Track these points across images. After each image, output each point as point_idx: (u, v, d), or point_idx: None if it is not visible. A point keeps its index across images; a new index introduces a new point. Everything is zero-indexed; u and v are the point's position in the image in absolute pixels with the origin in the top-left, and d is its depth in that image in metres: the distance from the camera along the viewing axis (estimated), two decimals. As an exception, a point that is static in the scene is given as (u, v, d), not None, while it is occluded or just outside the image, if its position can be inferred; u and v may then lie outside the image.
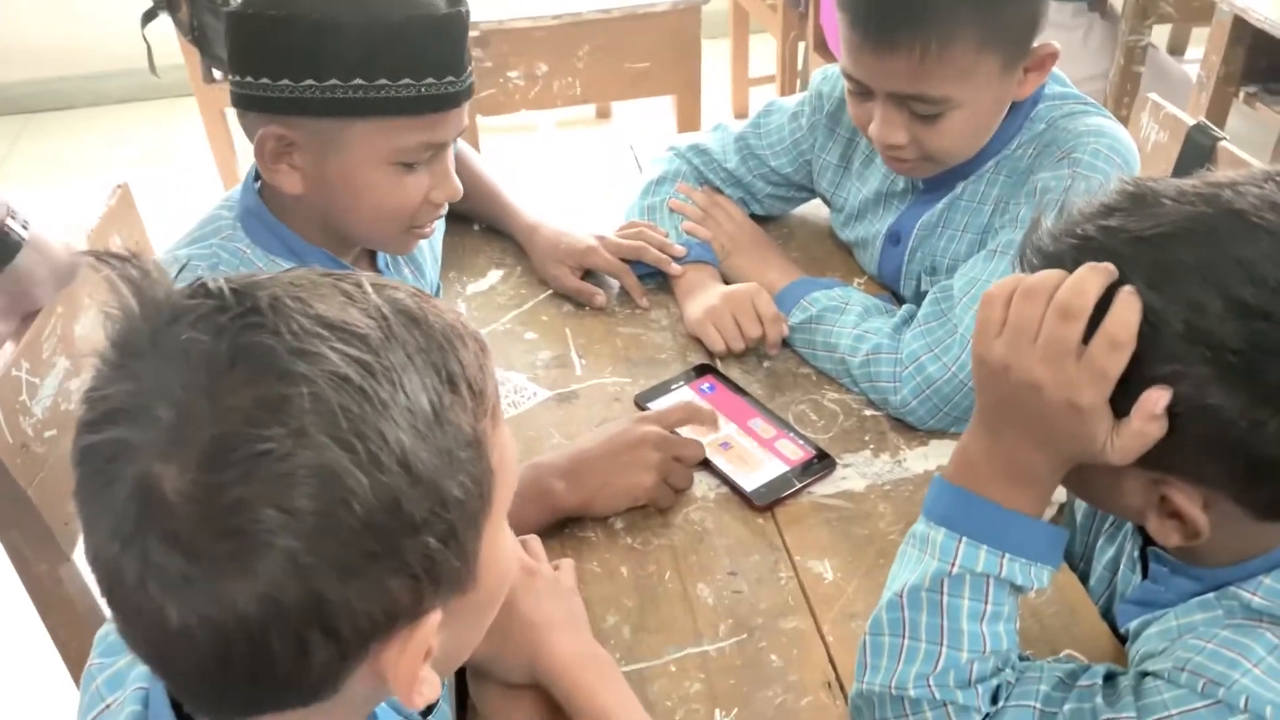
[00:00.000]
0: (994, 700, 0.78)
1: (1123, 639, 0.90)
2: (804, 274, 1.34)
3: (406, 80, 0.99)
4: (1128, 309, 0.68)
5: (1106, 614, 0.95)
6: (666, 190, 1.44)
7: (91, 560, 0.52)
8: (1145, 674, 0.77)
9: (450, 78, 1.02)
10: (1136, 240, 0.70)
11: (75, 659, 1.26)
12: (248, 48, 1.01)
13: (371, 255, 1.25)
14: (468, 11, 1.03)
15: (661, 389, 1.22)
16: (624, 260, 1.37)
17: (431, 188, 1.10)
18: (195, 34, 2.82)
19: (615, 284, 1.40)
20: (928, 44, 1.07)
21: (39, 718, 1.84)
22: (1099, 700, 0.75)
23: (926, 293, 1.28)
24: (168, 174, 3.46)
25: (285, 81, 0.98)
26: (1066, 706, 0.76)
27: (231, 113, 2.91)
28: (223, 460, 0.48)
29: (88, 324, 1.19)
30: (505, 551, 0.62)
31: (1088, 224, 0.73)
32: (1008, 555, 0.77)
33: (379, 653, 0.54)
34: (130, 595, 0.50)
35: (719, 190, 1.46)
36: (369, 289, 0.55)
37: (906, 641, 0.79)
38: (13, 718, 1.86)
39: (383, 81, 0.98)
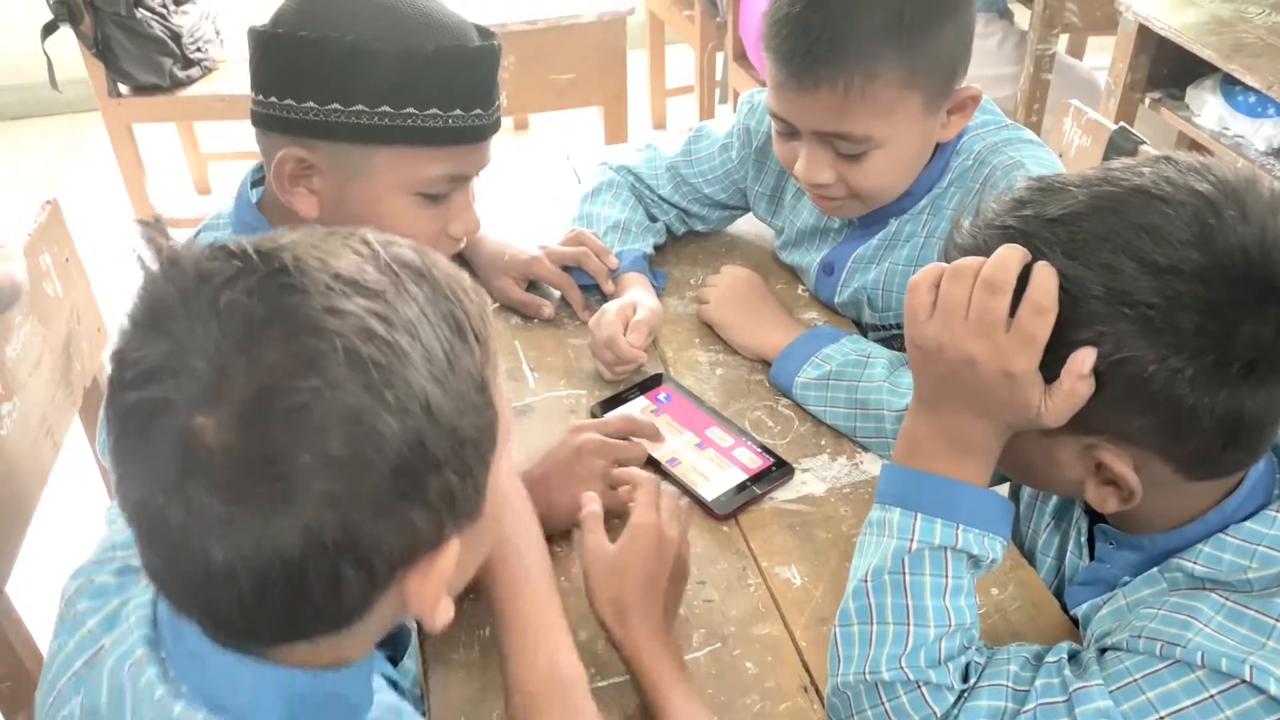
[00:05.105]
0: (964, 679, 0.81)
1: (1075, 623, 0.94)
2: (802, 328, 1.27)
3: (434, 110, 0.97)
4: (1046, 277, 0.74)
5: (1058, 599, 0.98)
6: (604, 198, 1.44)
7: (131, 509, 0.55)
8: (1105, 649, 0.81)
9: (478, 110, 1.00)
10: (1051, 222, 0.76)
11: (9, 699, 1.20)
12: (274, 67, 0.97)
13: None
14: (500, 45, 1.01)
15: (617, 400, 1.21)
16: (567, 269, 1.36)
17: (450, 220, 1.07)
18: (100, 47, 2.74)
19: (558, 294, 1.39)
20: (850, 82, 1.09)
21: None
22: (1067, 673, 0.79)
23: (867, 324, 1.31)
24: (72, 192, 3.34)
25: (310, 104, 0.95)
26: (1038, 682, 0.79)
27: (139, 128, 2.90)
28: (262, 412, 0.51)
29: (19, 346, 1.15)
30: (503, 481, 0.65)
31: (1005, 216, 0.79)
32: (961, 526, 0.81)
33: (404, 580, 0.58)
34: (173, 540, 0.54)
35: (652, 209, 1.46)
36: (376, 246, 0.58)
37: (875, 627, 0.82)
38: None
39: (410, 110, 0.96)
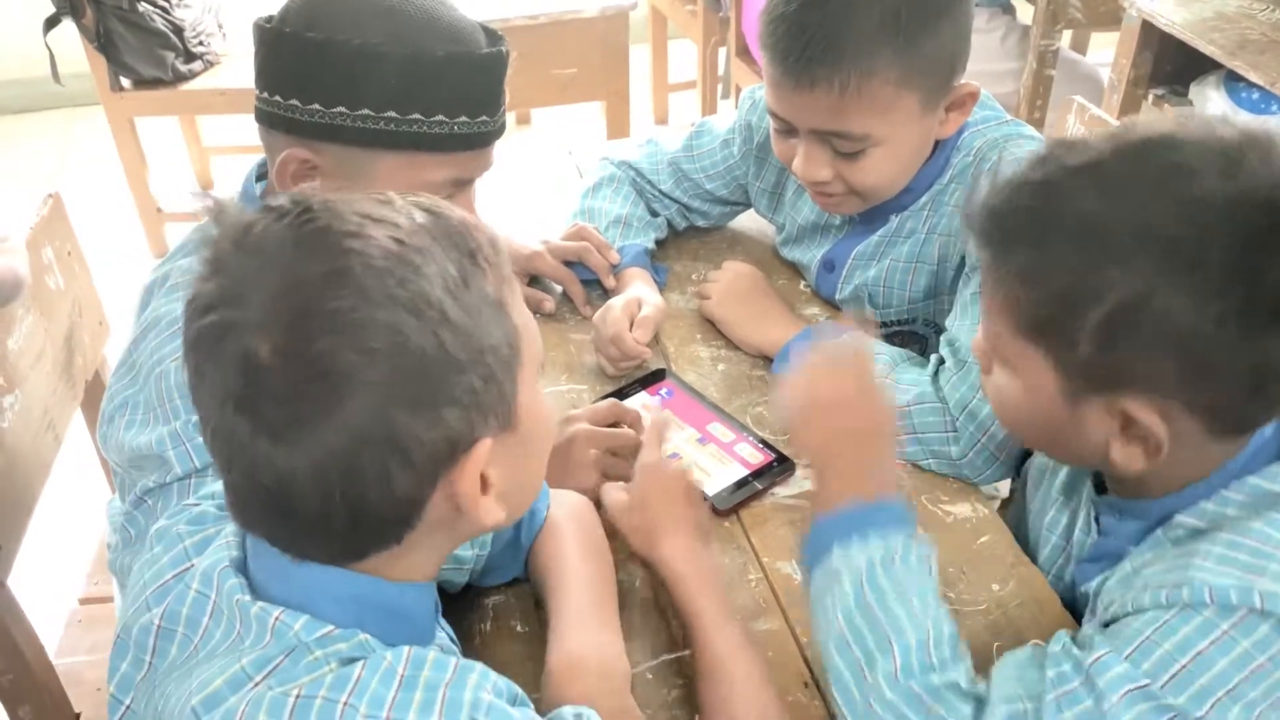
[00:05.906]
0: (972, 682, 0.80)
1: (1079, 603, 0.94)
2: (804, 324, 1.28)
3: (440, 117, 0.96)
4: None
5: (1061, 579, 0.99)
6: (605, 193, 1.44)
7: (211, 432, 0.63)
8: (1108, 623, 0.81)
9: (484, 117, 0.99)
10: (1076, 171, 0.77)
11: (10, 693, 1.20)
12: (280, 66, 0.97)
13: None
14: (508, 52, 1.00)
15: (619, 396, 1.21)
16: (568, 264, 1.36)
17: None
18: (101, 41, 2.74)
19: (560, 288, 1.39)
20: (846, 80, 1.09)
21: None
22: (1076, 653, 0.78)
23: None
24: (74, 185, 3.34)
25: (316, 106, 0.94)
26: (1049, 673, 0.78)
27: (141, 121, 2.89)
28: (304, 323, 0.60)
29: (21, 339, 1.15)
30: (541, 404, 0.73)
31: (1028, 171, 0.79)
32: (873, 530, 0.84)
33: (448, 481, 0.65)
34: (246, 452, 0.61)
35: (653, 204, 1.46)
36: (394, 195, 0.67)
37: (863, 660, 0.81)
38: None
39: (416, 116, 0.95)
